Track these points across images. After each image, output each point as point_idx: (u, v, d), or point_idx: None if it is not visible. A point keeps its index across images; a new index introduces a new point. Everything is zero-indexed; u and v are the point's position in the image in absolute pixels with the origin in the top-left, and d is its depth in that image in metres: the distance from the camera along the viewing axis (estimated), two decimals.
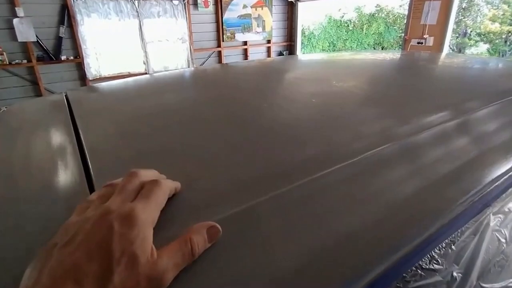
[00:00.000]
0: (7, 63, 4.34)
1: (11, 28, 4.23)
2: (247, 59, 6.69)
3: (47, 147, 0.53)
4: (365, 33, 9.87)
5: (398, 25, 9.34)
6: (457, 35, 8.76)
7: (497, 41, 8.45)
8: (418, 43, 4.75)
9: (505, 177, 0.46)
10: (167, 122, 0.58)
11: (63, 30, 4.62)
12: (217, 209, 0.32)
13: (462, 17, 8.73)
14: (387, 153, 0.44)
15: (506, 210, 0.47)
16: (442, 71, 1.12)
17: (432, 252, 0.37)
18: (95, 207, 0.27)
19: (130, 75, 5.32)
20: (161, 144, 0.48)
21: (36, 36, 4.42)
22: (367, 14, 9.79)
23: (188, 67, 5.93)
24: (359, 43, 10.00)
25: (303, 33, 9.12)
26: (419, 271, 0.35)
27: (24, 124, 0.68)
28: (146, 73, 5.47)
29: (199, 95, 0.82)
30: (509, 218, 0.47)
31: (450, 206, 0.38)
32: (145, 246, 0.24)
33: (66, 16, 4.59)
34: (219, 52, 6.35)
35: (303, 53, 8.92)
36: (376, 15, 9.67)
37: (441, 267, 0.37)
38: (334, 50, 10.25)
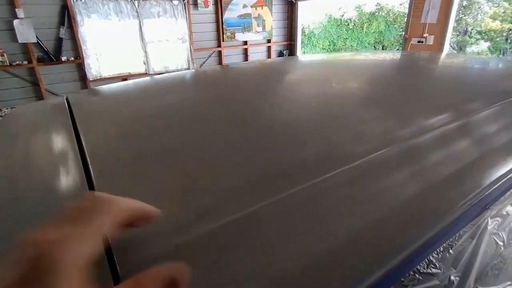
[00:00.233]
0: (8, 64, 4.34)
1: (12, 29, 4.24)
2: (247, 59, 6.69)
3: (48, 152, 0.53)
4: (366, 32, 9.85)
5: (398, 24, 9.32)
6: (457, 33, 8.73)
7: (497, 39, 8.43)
8: (419, 42, 4.74)
9: (504, 180, 0.47)
10: (167, 125, 0.58)
11: (63, 31, 4.62)
12: (217, 211, 0.32)
13: (463, 15, 8.70)
14: (386, 156, 0.45)
15: (504, 213, 0.48)
16: (440, 72, 1.12)
17: (430, 256, 0.37)
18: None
19: (130, 75, 5.32)
20: (162, 146, 0.49)
21: (37, 37, 4.43)
22: (368, 13, 9.77)
23: (188, 67, 5.93)
24: (359, 42, 9.98)
25: (303, 32, 9.10)
26: (417, 275, 0.36)
27: (25, 128, 0.69)
28: (146, 74, 5.47)
29: (200, 98, 0.83)
30: (507, 221, 0.47)
31: (448, 209, 0.39)
32: None
33: (66, 17, 4.60)
34: (219, 52, 6.35)
35: (303, 52, 8.91)
36: (377, 13, 9.65)
37: (439, 271, 0.37)
38: (334, 49, 10.24)
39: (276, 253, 0.29)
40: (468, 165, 0.47)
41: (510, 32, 8.15)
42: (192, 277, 0.25)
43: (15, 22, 4.22)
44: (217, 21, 6.10)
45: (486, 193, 0.43)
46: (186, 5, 5.55)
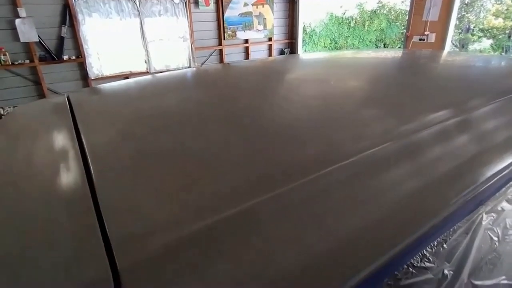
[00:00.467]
0: (10, 63, 4.36)
1: (14, 28, 4.25)
2: (248, 57, 6.68)
3: (49, 152, 0.54)
4: (367, 30, 9.80)
5: (400, 22, 9.27)
6: (460, 31, 8.68)
7: (500, 36, 8.37)
8: (420, 39, 4.72)
9: (498, 176, 0.47)
10: (169, 124, 0.59)
11: (65, 30, 4.63)
12: (217, 209, 0.33)
13: (465, 13, 8.65)
14: (382, 152, 0.45)
15: (499, 209, 0.48)
16: (437, 70, 1.12)
17: (424, 250, 0.38)
18: None
19: (131, 74, 5.33)
20: (163, 145, 0.49)
21: (38, 36, 4.44)
22: (369, 11, 9.72)
23: (190, 65, 5.93)
24: (361, 40, 9.94)
25: (304, 30, 9.08)
26: (410, 269, 0.36)
27: (26, 128, 0.69)
28: (147, 72, 5.48)
29: (202, 96, 0.83)
30: (502, 217, 0.48)
31: (443, 205, 0.39)
32: None
33: (68, 16, 4.61)
34: (220, 51, 6.34)
35: (305, 50, 8.89)
36: (378, 11, 9.60)
37: (433, 265, 0.38)
38: (335, 48, 10.20)
39: (276, 248, 0.30)
40: (462, 161, 0.47)
41: None
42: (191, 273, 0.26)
43: (17, 21, 4.23)
44: (218, 20, 6.09)
45: (481, 189, 0.44)
46: (187, 4, 5.55)
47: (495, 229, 0.46)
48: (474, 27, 8.78)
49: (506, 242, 0.48)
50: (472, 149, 0.51)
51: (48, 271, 0.28)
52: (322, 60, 1.36)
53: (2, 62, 4.30)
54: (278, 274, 0.28)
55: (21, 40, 4.33)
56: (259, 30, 6.66)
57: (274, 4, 6.66)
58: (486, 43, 8.65)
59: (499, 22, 8.23)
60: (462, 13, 8.43)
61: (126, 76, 5.22)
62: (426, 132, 0.51)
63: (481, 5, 8.62)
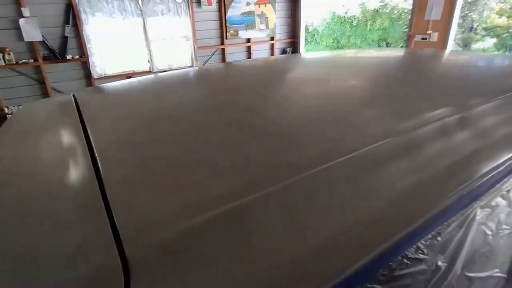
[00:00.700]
0: (14, 62, 4.40)
1: (18, 28, 4.29)
2: (250, 56, 6.69)
3: (58, 149, 0.55)
4: (369, 29, 9.77)
5: (403, 21, 9.23)
6: (463, 30, 8.63)
7: (504, 35, 8.31)
8: (422, 39, 4.71)
9: (493, 172, 0.48)
10: (175, 121, 0.60)
11: (68, 30, 4.66)
12: (216, 205, 0.34)
13: (468, 12, 8.60)
14: (378, 149, 0.46)
15: (494, 204, 0.49)
16: (436, 69, 1.13)
17: (418, 243, 0.39)
18: None
19: (134, 73, 5.36)
20: (170, 142, 0.50)
21: (42, 35, 4.48)
22: (371, 10, 9.69)
23: (192, 65, 5.95)
24: (363, 39, 9.91)
25: (306, 29, 9.06)
26: (405, 260, 0.38)
27: (32, 126, 0.71)
28: (150, 71, 5.51)
29: (207, 94, 0.85)
30: (496, 212, 0.49)
31: (437, 199, 0.41)
32: None
33: (71, 16, 4.64)
34: (223, 50, 6.36)
35: (307, 50, 8.87)
36: (381, 10, 9.56)
37: (427, 256, 0.39)
38: (338, 47, 10.18)
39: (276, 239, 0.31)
40: (458, 158, 0.49)
41: None
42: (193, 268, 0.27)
43: (21, 21, 4.27)
44: (220, 19, 6.10)
45: (476, 185, 0.45)
46: (190, 3, 5.57)
47: (489, 224, 0.48)
48: (477, 26, 8.72)
49: (499, 236, 0.49)
50: (468, 146, 0.52)
51: (59, 260, 0.29)
52: (324, 59, 1.37)
53: (7, 62, 4.34)
54: (275, 264, 0.29)
55: (25, 40, 4.37)
56: (261, 30, 6.66)
57: (276, 3, 6.66)
58: (490, 42, 8.60)
59: (502, 21, 8.17)
60: (465, 12, 8.38)
61: (129, 75, 5.24)
62: (423, 129, 0.52)
63: (485, 3, 8.56)
